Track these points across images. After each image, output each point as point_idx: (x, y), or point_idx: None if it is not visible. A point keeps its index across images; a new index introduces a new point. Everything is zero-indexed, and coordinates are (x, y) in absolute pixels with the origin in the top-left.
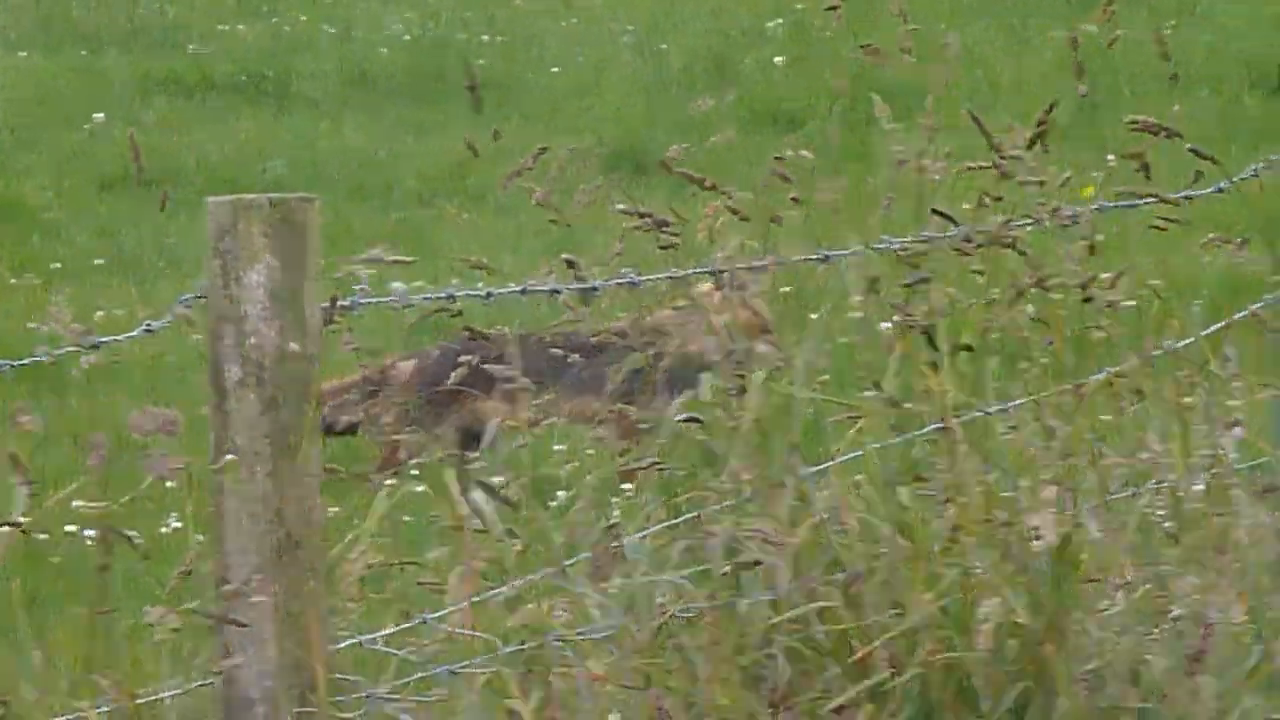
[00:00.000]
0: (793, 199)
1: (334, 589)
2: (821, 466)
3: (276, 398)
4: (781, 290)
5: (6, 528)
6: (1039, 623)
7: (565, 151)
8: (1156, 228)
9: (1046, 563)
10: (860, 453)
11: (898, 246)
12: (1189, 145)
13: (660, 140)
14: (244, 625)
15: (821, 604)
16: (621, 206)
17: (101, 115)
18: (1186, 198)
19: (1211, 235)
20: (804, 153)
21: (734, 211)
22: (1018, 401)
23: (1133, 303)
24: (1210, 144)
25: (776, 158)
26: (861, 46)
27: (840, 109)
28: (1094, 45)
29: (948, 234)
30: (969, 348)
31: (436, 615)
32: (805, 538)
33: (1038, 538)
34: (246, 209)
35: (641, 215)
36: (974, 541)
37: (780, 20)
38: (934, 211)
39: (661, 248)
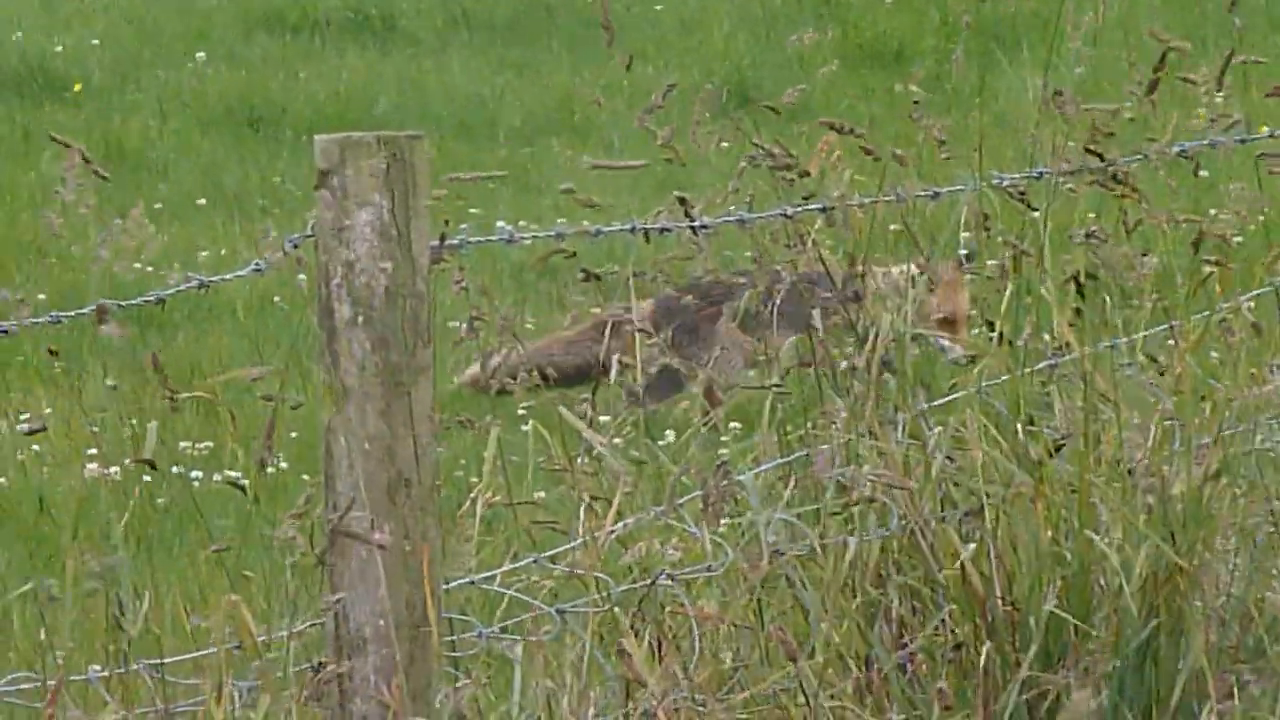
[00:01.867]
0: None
1: (449, 529)
2: (937, 403)
3: (386, 337)
4: (891, 227)
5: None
6: (1165, 564)
7: (694, 91)
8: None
9: (1167, 503)
10: (975, 389)
11: (1008, 183)
12: None
13: (767, 77)
14: (381, 546)
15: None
16: (726, 144)
17: (203, 54)
18: None
19: None
20: (914, 88)
21: (867, 151)
22: (1130, 338)
23: (1239, 238)
24: None
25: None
26: None
27: (959, 45)
28: None
29: (1059, 169)
30: (1079, 282)
31: (547, 554)
32: (920, 475)
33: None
34: (355, 147)
35: (766, 152)
36: (1100, 479)
37: None
38: (1087, 150)
39: (789, 181)
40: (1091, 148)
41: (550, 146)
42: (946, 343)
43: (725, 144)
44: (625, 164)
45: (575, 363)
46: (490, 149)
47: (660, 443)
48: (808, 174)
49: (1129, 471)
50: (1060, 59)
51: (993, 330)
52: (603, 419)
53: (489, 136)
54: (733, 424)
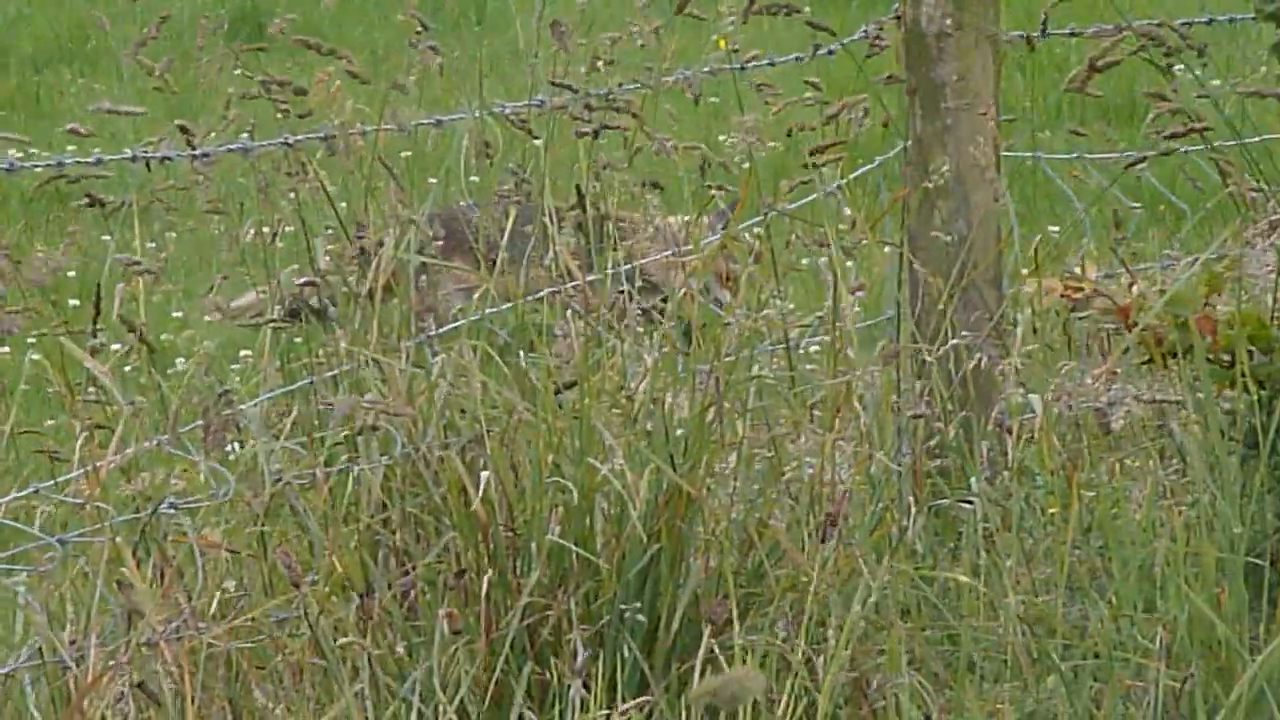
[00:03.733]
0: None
1: None
2: (441, 331)
3: None
4: (402, 154)
5: None
6: (668, 488)
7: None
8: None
9: (669, 429)
10: (479, 316)
11: (509, 111)
12: (806, 19)
13: (281, 4)
14: None
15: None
16: (238, 73)
17: None
18: (798, 60)
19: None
20: (415, 14)
21: (354, 75)
22: (632, 264)
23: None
24: (824, 4)
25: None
26: None
27: None
28: None
29: (558, 99)
30: (583, 209)
31: (49, 483)
32: (421, 404)
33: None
34: None
35: (260, 81)
36: (602, 405)
37: None
38: (552, 83)
39: (285, 111)
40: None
41: (62, 74)
42: (726, 297)
43: (238, 72)
44: (128, 109)
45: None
46: (2, 77)
47: (170, 371)
48: (305, 92)
49: (629, 398)
50: None
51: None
52: (114, 347)
53: (0, 65)
54: (244, 351)
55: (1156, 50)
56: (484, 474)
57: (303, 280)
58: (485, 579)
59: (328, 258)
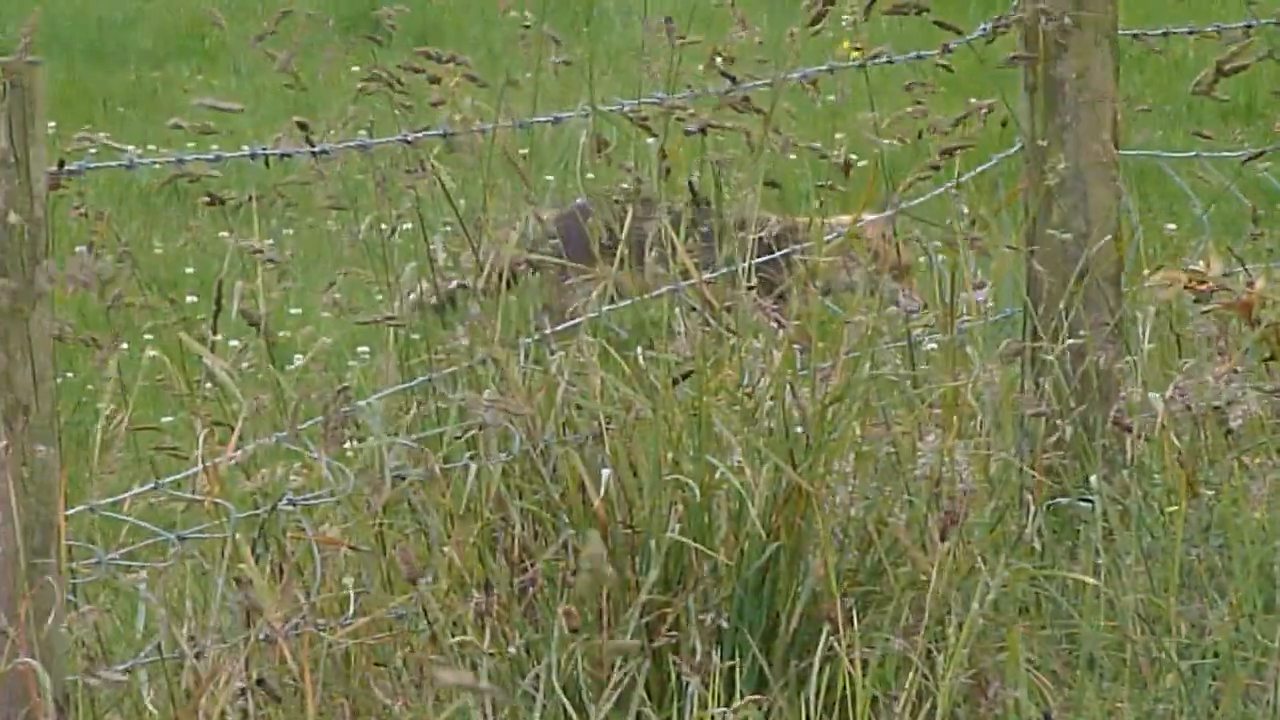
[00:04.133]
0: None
1: (80, 454)
2: (560, 328)
3: (2, 262)
4: (521, 152)
5: None
6: (786, 486)
7: (305, 16)
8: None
9: (788, 426)
10: (597, 314)
11: (628, 109)
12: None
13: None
14: None
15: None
16: (357, 69)
17: None
18: (918, 57)
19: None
20: (527, 14)
21: (472, 78)
22: (748, 262)
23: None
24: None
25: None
26: None
27: None
28: None
29: (674, 95)
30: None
31: (169, 480)
32: (540, 400)
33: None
34: None
35: (378, 78)
36: (721, 403)
37: None
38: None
39: (405, 107)
40: (726, 72)
41: (181, 71)
42: (903, 297)
43: (356, 68)
44: (226, 106)
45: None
46: (120, 73)
47: (289, 368)
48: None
49: (749, 395)
50: None
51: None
52: (232, 344)
53: (119, 61)
54: (361, 348)
55: None
56: (604, 471)
57: (455, 283)
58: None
59: (446, 256)
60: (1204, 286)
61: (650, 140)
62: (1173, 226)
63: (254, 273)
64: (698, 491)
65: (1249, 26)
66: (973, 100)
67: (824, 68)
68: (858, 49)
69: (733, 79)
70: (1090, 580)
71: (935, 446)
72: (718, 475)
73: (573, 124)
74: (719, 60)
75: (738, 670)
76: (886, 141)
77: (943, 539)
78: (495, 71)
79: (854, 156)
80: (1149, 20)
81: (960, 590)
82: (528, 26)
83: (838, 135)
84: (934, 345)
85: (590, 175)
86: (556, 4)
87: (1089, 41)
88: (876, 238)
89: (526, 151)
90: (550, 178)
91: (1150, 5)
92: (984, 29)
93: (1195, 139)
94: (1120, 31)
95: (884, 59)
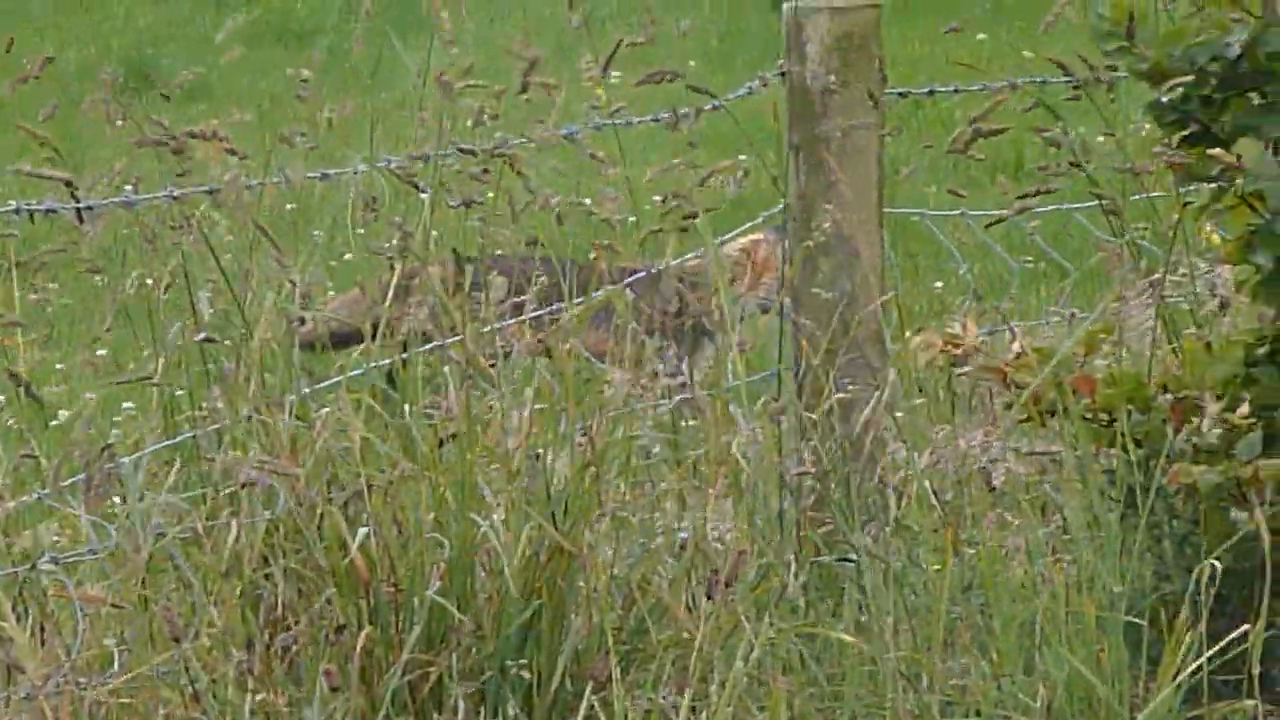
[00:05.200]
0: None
1: None
2: (324, 384)
3: None
4: (288, 207)
5: None
6: (549, 545)
7: (91, 69)
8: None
9: (550, 485)
10: (361, 371)
11: (395, 164)
12: (688, 84)
13: (171, 54)
14: None
15: (319, 524)
16: (121, 124)
17: None
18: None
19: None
20: (304, 71)
21: (231, 150)
22: (516, 319)
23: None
24: (716, 58)
25: (303, 80)
26: None
27: (356, 25)
28: None
29: (443, 151)
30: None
31: None
32: (304, 457)
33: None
34: None
35: (153, 137)
36: (483, 461)
37: None
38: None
39: (178, 174)
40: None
41: None
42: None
43: (121, 123)
44: None
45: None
46: None
47: (52, 424)
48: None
49: (512, 454)
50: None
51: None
52: None
53: None
54: (126, 404)
55: (1055, 90)
56: (361, 530)
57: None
58: (363, 635)
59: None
60: (959, 351)
61: (423, 196)
62: (940, 284)
63: (14, 331)
64: (459, 550)
65: (1013, 86)
66: (742, 157)
67: (573, 129)
68: (595, 106)
69: (472, 151)
70: (852, 639)
71: (698, 505)
72: (481, 534)
73: (345, 180)
74: (485, 118)
75: None
76: (657, 197)
77: (708, 598)
78: (273, 124)
79: (620, 216)
80: (915, 79)
81: (724, 649)
82: (304, 81)
83: (610, 191)
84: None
85: (361, 230)
86: (334, 59)
87: (854, 100)
88: (765, 258)
89: (294, 207)
90: (318, 233)
91: (920, 63)
92: (749, 88)
93: (961, 199)
94: (886, 90)
95: (623, 121)
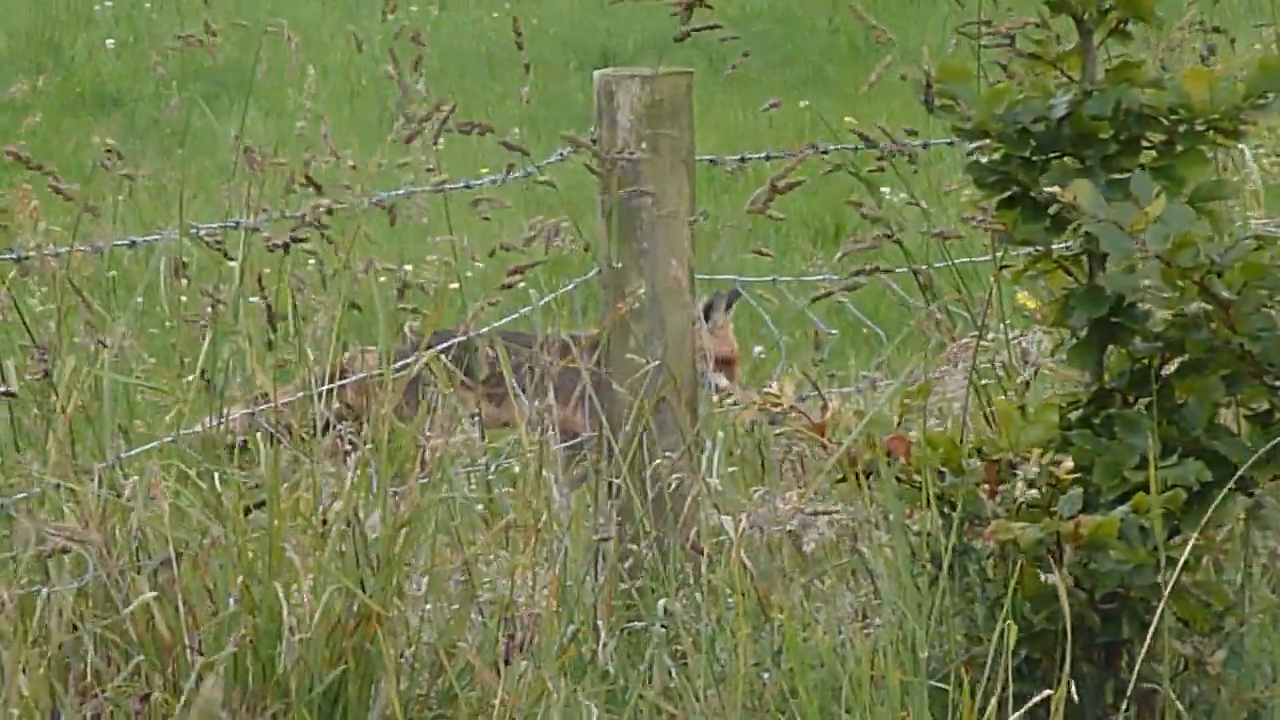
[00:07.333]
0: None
1: None
2: (135, 451)
3: None
4: (108, 274)
5: None
6: (358, 610)
7: None
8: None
9: (360, 549)
10: (172, 438)
11: (204, 232)
12: (500, 139)
13: None
14: None
15: (128, 592)
16: None
17: None
18: (493, 182)
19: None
20: (109, 140)
21: (58, 191)
22: (321, 388)
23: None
24: (536, 125)
25: (107, 150)
26: (179, 36)
27: (175, 93)
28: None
29: (256, 220)
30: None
31: None
32: (113, 525)
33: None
34: None
35: None
36: (291, 527)
37: (110, 3)
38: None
39: None
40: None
41: None
42: (723, 382)
43: None
44: None
45: None
46: None
47: None
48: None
49: (324, 520)
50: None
51: (203, 378)
52: None
53: None
54: None
55: (866, 157)
56: (149, 594)
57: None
58: (162, 700)
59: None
60: (777, 410)
61: (232, 263)
62: (760, 349)
63: None
64: (265, 616)
65: (814, 148)
66: (544, 219)
67: (400, 191)
68: (430, 169)
69: (282, 213)
70: (661, 702)
71: (505, 568)
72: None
73: (157, 247)
74: (296, 186)
75: None
76: (479, 264)
77: (507, 662)
78: (81, 194)
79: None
80: (728, 145)
81: (531, 714)
82: (109, 150)
83: (430, 257)
84: (517, 468)
85: (184, 298)
86: (147, 126)
87: (665, 167)
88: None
89: (114, 274)
90: (139, 299)
91: (732, 129)
92: (561, 154)
93: (780, 264)
94: (697, 157)
95: (460, 184)
